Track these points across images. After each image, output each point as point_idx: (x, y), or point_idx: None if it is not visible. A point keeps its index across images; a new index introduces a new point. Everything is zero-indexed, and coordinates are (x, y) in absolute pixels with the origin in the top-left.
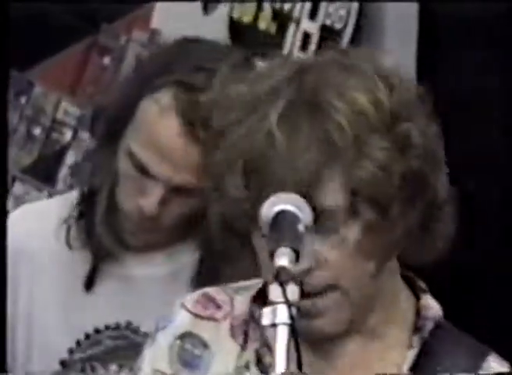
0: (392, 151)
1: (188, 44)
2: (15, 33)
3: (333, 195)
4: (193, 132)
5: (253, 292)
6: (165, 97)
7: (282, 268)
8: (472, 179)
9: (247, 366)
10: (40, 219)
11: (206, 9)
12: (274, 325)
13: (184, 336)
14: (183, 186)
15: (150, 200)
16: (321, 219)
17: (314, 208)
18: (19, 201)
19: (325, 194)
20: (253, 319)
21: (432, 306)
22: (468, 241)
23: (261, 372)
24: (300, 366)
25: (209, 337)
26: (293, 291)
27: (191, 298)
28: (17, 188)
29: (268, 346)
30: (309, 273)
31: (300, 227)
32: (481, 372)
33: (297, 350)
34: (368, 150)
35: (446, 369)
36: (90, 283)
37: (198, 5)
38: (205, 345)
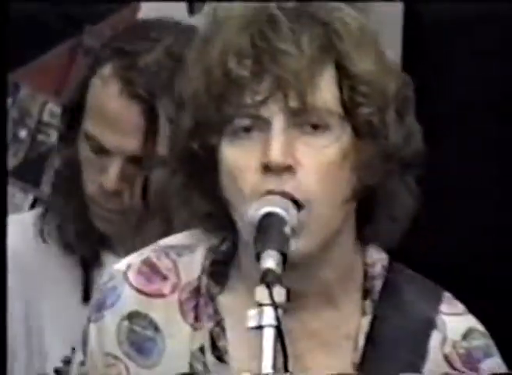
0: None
1: (143, 22)
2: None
3: (329, 92)
4: (134, 91)
5: (198, 256)
6: (106, 68)
7: (269, 270)
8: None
9: (201, 350)
10: (24, 231)
11: (192, 9)
12: (260, 327)
13: (131, 317)
14: (136, 156)
15: (109, 175)
16: (318, 117)
17: (310, 106)
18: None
19: (319, 92)
20: (203, 293)
21: (376, 260)
22: None
23: (217, 359)
24: (286, 367)
25: (159, 317)
26: (279, 293)
27: (133, 266)
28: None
29: (221, 326)
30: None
31: (287, 230)
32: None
33: (284, 351)
34: (364, 49)
35: (399, 330)
36: (87, 295)
37: (184, 6)
38: (156, 328)
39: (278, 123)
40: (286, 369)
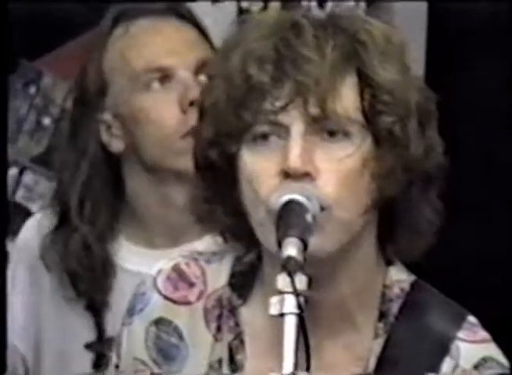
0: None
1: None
2: (24, 23)
3: (350, 100)
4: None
5: (226, 265)
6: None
7: (291, 258)
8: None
9: (219, 363)
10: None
11: None
12: (282, 315)
13: (158, 323)
14: None
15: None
16: (338, 125)
17: (330, 114)
18: (29, 191)
19: (340, 99)
20: (225, 304)
21: (396, 282)
22: None
23: (233, 372)
24: (308, 356)
25: (183, 325)
26: (300, 280)
27: (163, 272)
28: (27, 178)
29: (241, 340)
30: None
31: (309, 217)
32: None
33: (306, 340)
34: (387, 59)
35: (412, 356)
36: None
37: None
38: (180, 335)
39: (297, 129)
40: (307, 358)
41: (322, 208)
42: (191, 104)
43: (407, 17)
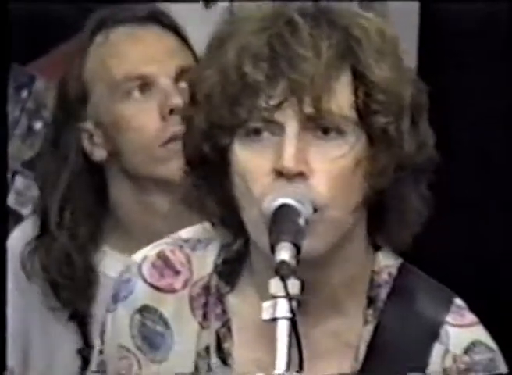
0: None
1: None
2: (16, 28)
3: (345, 98)
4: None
5: (212, 252)
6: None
7: (284, 262)
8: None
9: (207, 351)
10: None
11: (207, 4)
12: (274, 319)
13: (142, 310)
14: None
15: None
16: (332, 123)
17: (324, 112)
18: (20, 196)
19: (334, 98)
20: (212, 291)
21: (384, 267)
22: None
23: (222, 361)
24: (301, 359)
25: (168, 313)
26: (293, 285)
27: (147, 259)
28: (18, 182)
29: (228, 327)
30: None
31: (301, 221)
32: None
33: (298, 344)
34: (382, 56)
35: (402, 341)
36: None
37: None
38: (166, 323)
39: (291, 128)
40: (301, 364)
41: (315, 210)
42: (171, 111)
43: (398, 17)
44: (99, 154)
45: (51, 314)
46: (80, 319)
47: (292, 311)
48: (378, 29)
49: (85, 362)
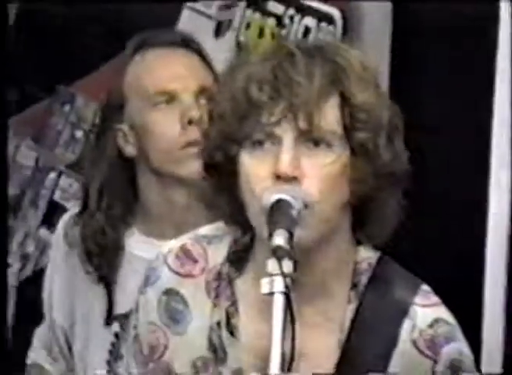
0: (380, 98)
1: None
2: (60, 54)
3: (333, 117)
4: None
5: (224, 245)
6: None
7: (279, 246)
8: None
9: (218, 325)
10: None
11: (218, 33)
12: (272, 293)
13: (168, 292)
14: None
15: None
16: (322, 137)
17: (315, 128)
18: (65, 192)
19: (324, 116)
20: (224, 277)
21: (364, 258)
22: None
23: (230, 333)
24: (293, 329)
25: (188, 294)
26: (288, 265)
27: (172, 251)
28: (63, 181)
29: (236, 306)
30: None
31: (294, 213)
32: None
33: (291, 316)
34: (364, 84)
35: (379, 317)
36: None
37: (211, 29)
38: (185, 303)
39: (288, 140)
40: (293, 330)
41: (306, 206)
42: (190, 122)
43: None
44: (130, 151)
45: (87, 277)
46: (107, 284)
47: (287, 287)
48: (360, 61)
49: (108, 321)
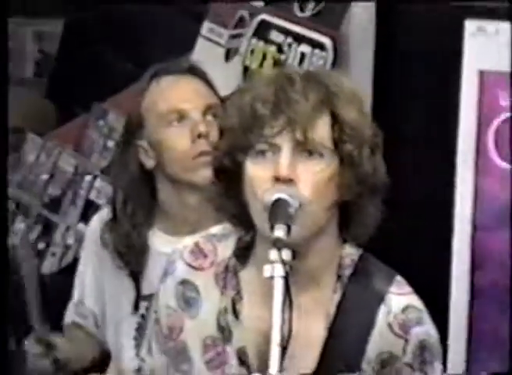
0: (365, 118)
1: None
2: (96, 79)
3: (324, 132)
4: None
5: (231, 242)
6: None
7: (279, 238)
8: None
9: (225, 310)
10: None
11: (227, 58)
12: (272, 277)
13: (183, 282)
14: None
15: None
16: (315, 148)
17: (310, 140)
18: (99, 192)
19: (317, 130)
20: (230, 269)
21: (348, 254)
22: None
23: (235, 317)
24: (291, 310)
25: (200, 283)
26: (286, 254)
27: (187, 247)
28: (97, 183)
29: (240, 295)
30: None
31: (291, 210)
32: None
33: (289, 298)
34: (351, 104)
35: (360, 304)
36: (136, 306)
37: (222, 55)
38: (197, 291)
39: (286, 148)
40: (290, 311)
41: (300, 205)
42: (199, 136)
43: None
44: (149, 163)
45: (118, 271)
46: (135, 277)
47: (286, 273)
48: (348, 86)
49: (136, 308)
